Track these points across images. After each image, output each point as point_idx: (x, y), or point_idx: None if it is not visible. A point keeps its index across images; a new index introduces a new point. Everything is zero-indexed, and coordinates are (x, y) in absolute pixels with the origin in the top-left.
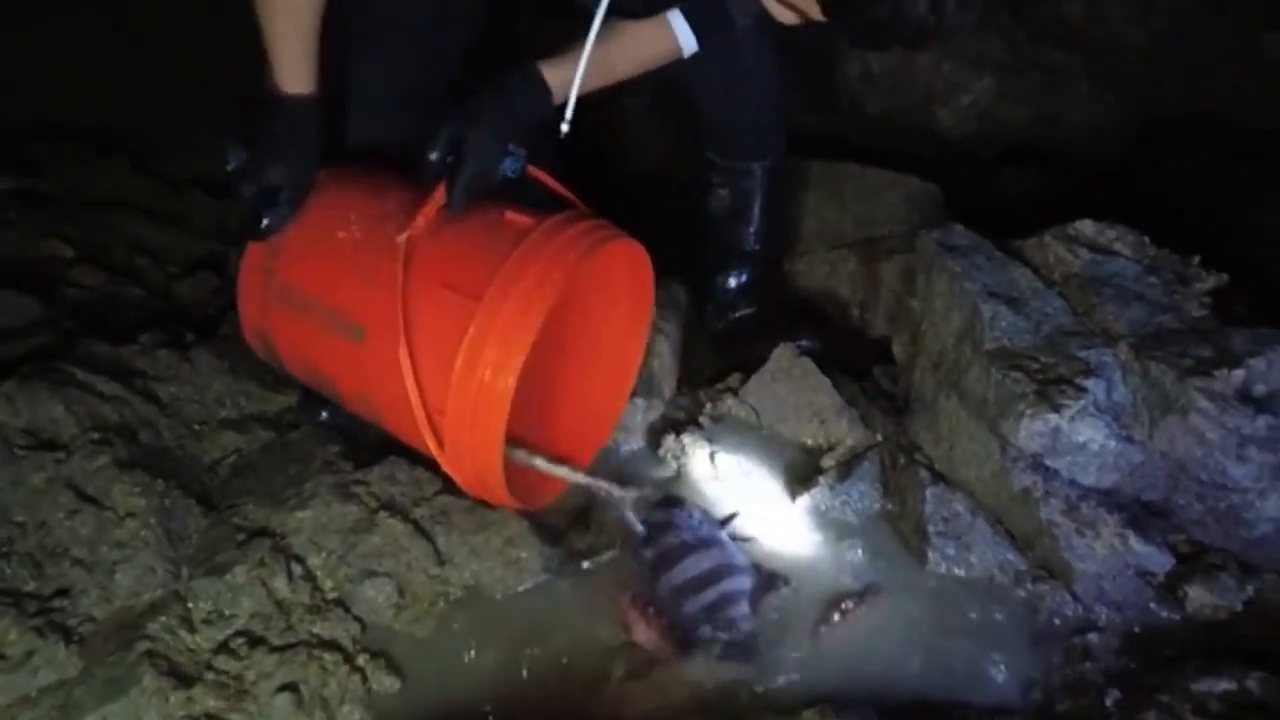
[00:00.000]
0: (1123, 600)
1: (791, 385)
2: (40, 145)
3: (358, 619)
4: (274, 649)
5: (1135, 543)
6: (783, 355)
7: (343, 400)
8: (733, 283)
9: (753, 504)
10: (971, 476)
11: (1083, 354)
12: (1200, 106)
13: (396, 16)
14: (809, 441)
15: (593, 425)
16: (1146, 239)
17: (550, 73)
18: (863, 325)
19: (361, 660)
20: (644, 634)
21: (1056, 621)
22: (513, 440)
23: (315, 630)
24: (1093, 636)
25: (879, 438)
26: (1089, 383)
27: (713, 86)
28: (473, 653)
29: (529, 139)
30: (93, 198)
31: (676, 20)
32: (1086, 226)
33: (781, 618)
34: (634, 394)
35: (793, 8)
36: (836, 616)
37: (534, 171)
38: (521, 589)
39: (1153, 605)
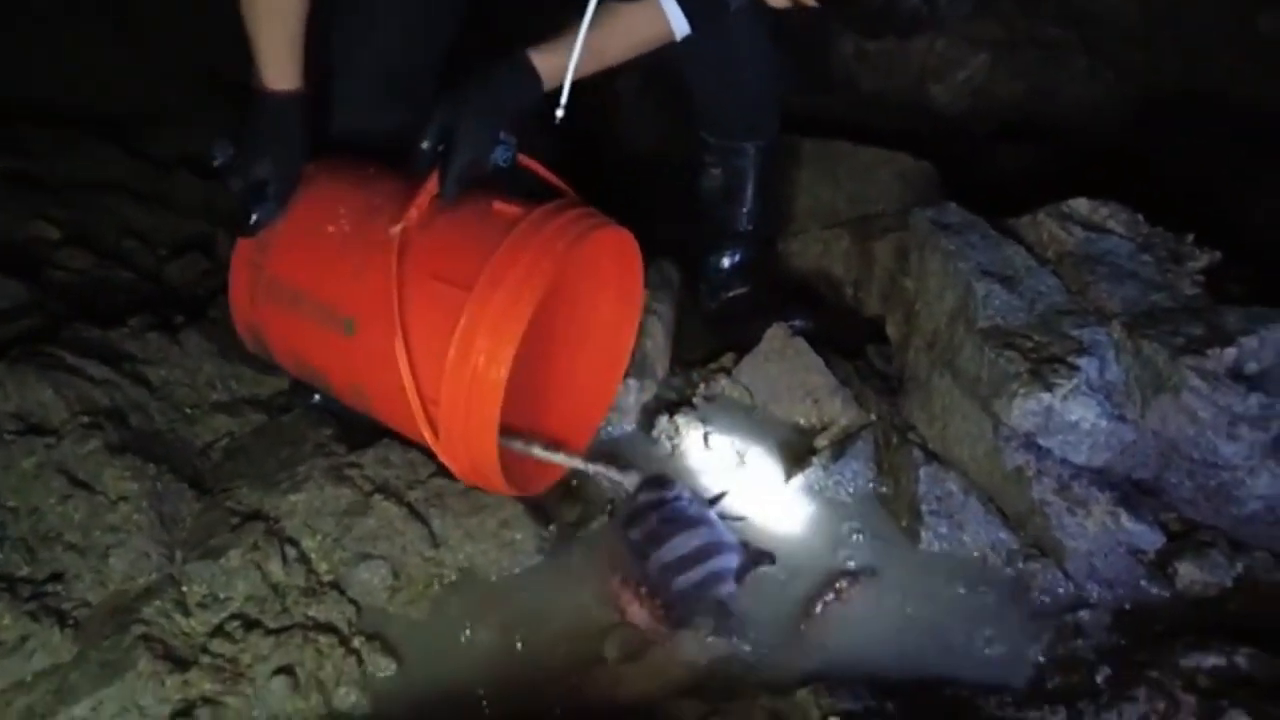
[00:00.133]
0: (1114, 578)
1: (785, 365)
2: (25, 126)
3: (353, 602)
4: (269, 632)
5: (1126, 521)
6: (776, 335)
7: (334, 392)
8: (726, 263)
9: (746, 484)
10: (964, 456)
11: (1076, 333)
12: (1197, 85)
13: (385, 5)
14: (802, 421)
15: (586, 411)
16: (1140, 217)
17: (539, 59)
18: (856, 304)
19: (357, 642)
20: (638, 614)
21: (1048, 599)
22: (508, 429)
23: (310, 613)
24: (1084, 614)
25: (872, 417)
26: (1082, 361)
27: (705, 69)
28: (468, 634)
29: (519, 127)
30: (79, 179)
31: (668, 3)
32: (1081, 204)
33: (775, 597)
34: (627, 375)
35: None
36: (830, 595)
37: (524, 160)
38: (516, 571)
39: (1143, 582)
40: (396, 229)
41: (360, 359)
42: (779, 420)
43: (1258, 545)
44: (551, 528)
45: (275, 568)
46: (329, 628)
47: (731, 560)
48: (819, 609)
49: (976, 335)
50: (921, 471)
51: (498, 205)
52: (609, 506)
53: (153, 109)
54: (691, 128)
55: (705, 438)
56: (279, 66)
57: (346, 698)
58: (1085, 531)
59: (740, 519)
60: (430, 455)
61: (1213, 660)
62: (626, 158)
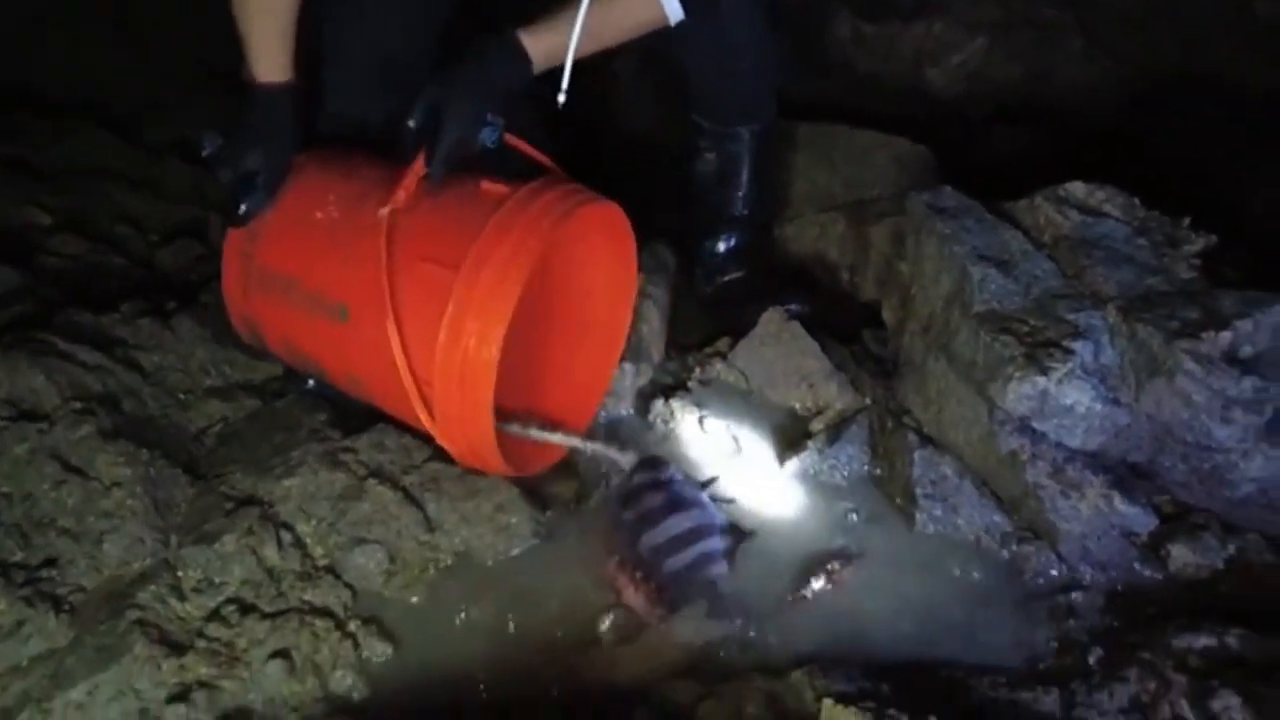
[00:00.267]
0: (1107, 560)
1: (780, 349)
2: (16, 112)
3: (348, 586)
4: (265, 616)
5: (1120, 503)
6: (771, 319)
7: (329, 380)
8: (721, 247)
9: (742, 468)
10: (960, 439)
11: (1071, 317)
12: (1194, 68)
13: None
14: (798, 405)
15: (584, 395)
16: (1136, 200)
17: (530, 40)
18: (852, 289)
19: (353, 626)
20: (633, 597)
21: (1041, 581)
22: (506, 411)
23: (306, 597)
24: (1077, 596)
25: (868, 401)
26: (1077, 345)
27: (701, 53)
28: (464, 618)
29: (508, 109)
30: (70, 165)
31: None
32: (1077, 188)
33: (769, 580)
34: (623, 359)
35: None
36: (824, 578)
37: (510, 139)
38: (512, 554)
39: (1136, 565)
40: (385, 211)
41: (354, 345)
42: (774, 404)
43: (1250, 528)
44: (549, 513)
45: (270, 552)
46: (325, 612)
47: (723, 542)
48: (812, 591)
49: (972, 319)
50: (916, 455)
51: (484, 185)
52: (603, 483)
53: (144, 95)
54: (686, 112)
55: (700, 422)
56: (270, 60)
57: (343, 681)
58: (1079, 514)
59: (730, 501)
60: (425, 439)
61: (1204, 641)
62: (624, 142)
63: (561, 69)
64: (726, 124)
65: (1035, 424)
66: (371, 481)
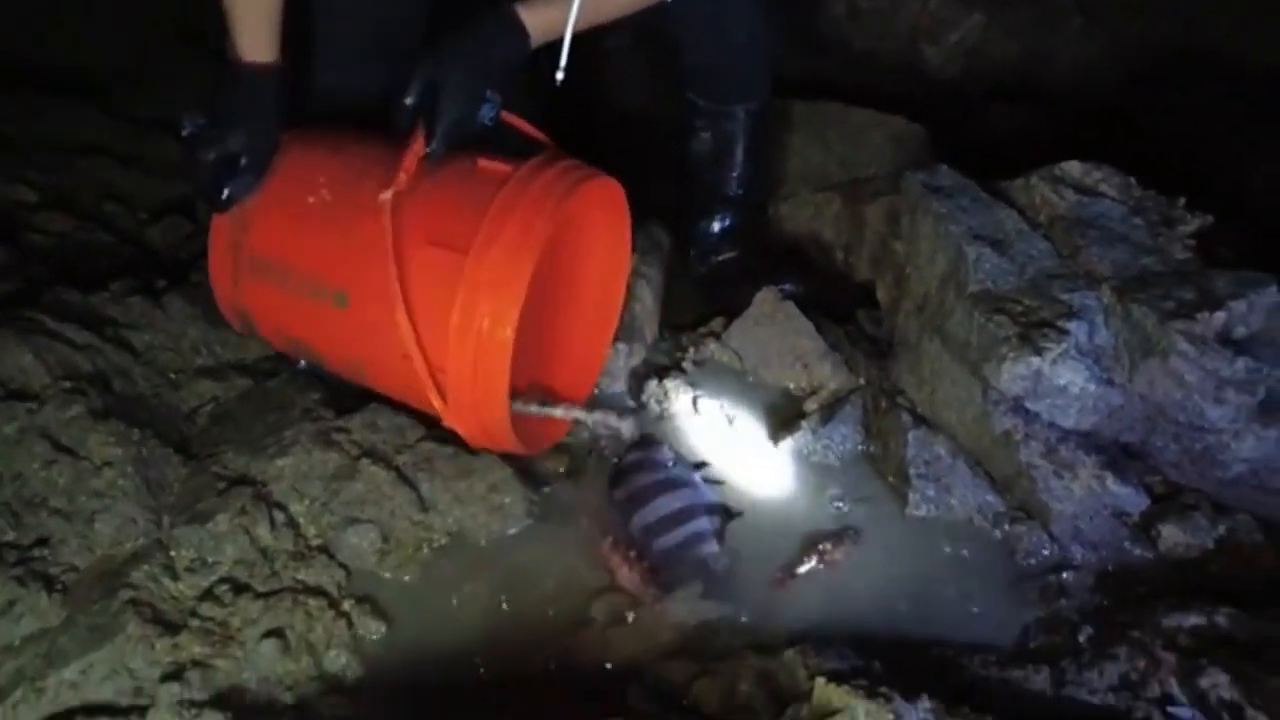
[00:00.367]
0: (1098, 540)
1: (774, 329)
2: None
3: (342, 565)
4: (259, 595)
5: (1112, 484)
6: (766, 299)
7: (326, 365)
8: (715, 227)
9: (735, 448)
10: (953, 419)
11: (1066, 297)
12: (1193, 46)
13: None
14: (791, 385)
15: (579, 374)
16: (1133, 180)
17: (527, 14)
18: (846, 269)
19: (347, 605)
20: (627, 577)
21: (1033, 561)
22: (513, 392)
23: (300, 576)
24: (1068, 575)
25: (862, 381)
26: (1071, 325)
27: (695, 30)
28: (457, 597)
29: (505, 84)
30: (56, 141)
31: None
32: (1073, 168)
33: (762, 559)
34: (616, 339)
35: None
36: (816, 557)
37: (507, 117)
38: (505, 534)
39: (1127, 544)
40: (387, 194)
41: (355, 331)
42: (768, 384)
43: (1240, 508)
44: (545, 489)
45: (264, 532)
46: (318, 591)
47: (715, 521)
48: (805, 571)
49: (967, 299)
50: (910, 435)
51: (482, 163)
52: (591, 454)
53: (128, 69)
54: (681, 90)
55: (694, 402)
56: (255, 38)
57: (337, 660)
58: (1071, 494)
59: (721, 482)
60: (419, 419)
61: (1193, 620)
62: (617, 120)
63: (554, 44)
64: (722, 102)
65: (1029, 404)
66: (365, 461)
